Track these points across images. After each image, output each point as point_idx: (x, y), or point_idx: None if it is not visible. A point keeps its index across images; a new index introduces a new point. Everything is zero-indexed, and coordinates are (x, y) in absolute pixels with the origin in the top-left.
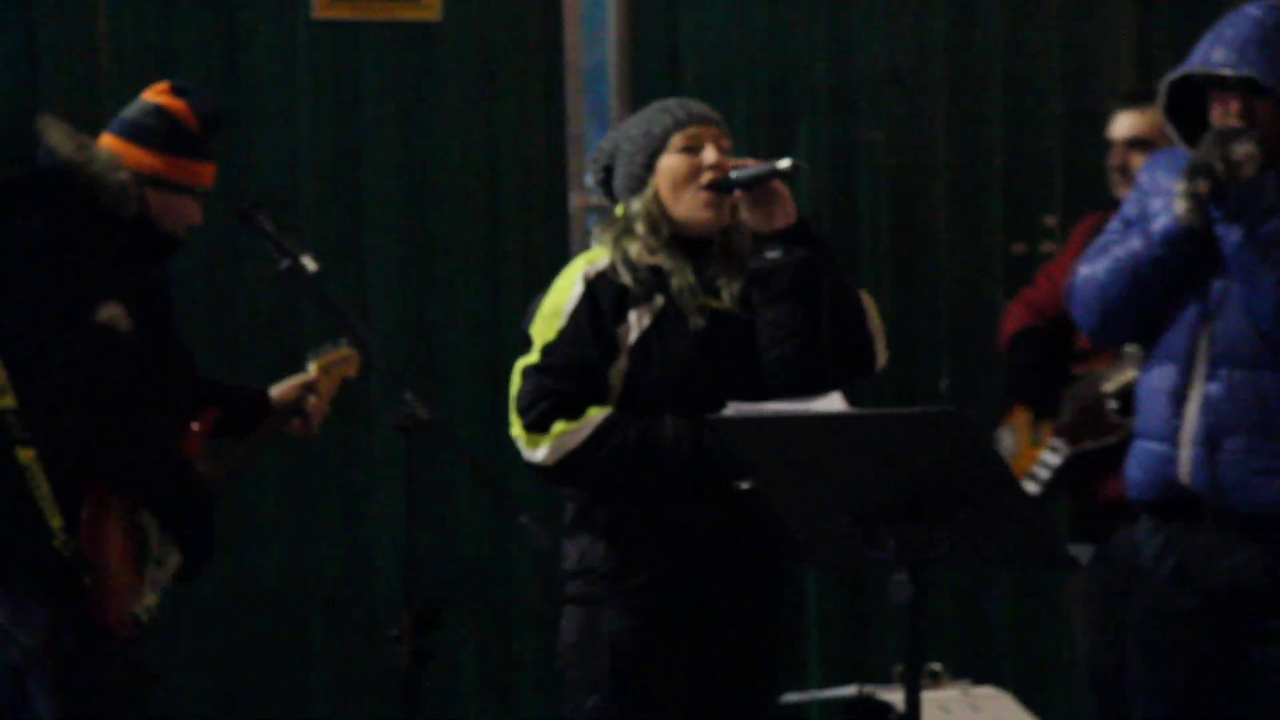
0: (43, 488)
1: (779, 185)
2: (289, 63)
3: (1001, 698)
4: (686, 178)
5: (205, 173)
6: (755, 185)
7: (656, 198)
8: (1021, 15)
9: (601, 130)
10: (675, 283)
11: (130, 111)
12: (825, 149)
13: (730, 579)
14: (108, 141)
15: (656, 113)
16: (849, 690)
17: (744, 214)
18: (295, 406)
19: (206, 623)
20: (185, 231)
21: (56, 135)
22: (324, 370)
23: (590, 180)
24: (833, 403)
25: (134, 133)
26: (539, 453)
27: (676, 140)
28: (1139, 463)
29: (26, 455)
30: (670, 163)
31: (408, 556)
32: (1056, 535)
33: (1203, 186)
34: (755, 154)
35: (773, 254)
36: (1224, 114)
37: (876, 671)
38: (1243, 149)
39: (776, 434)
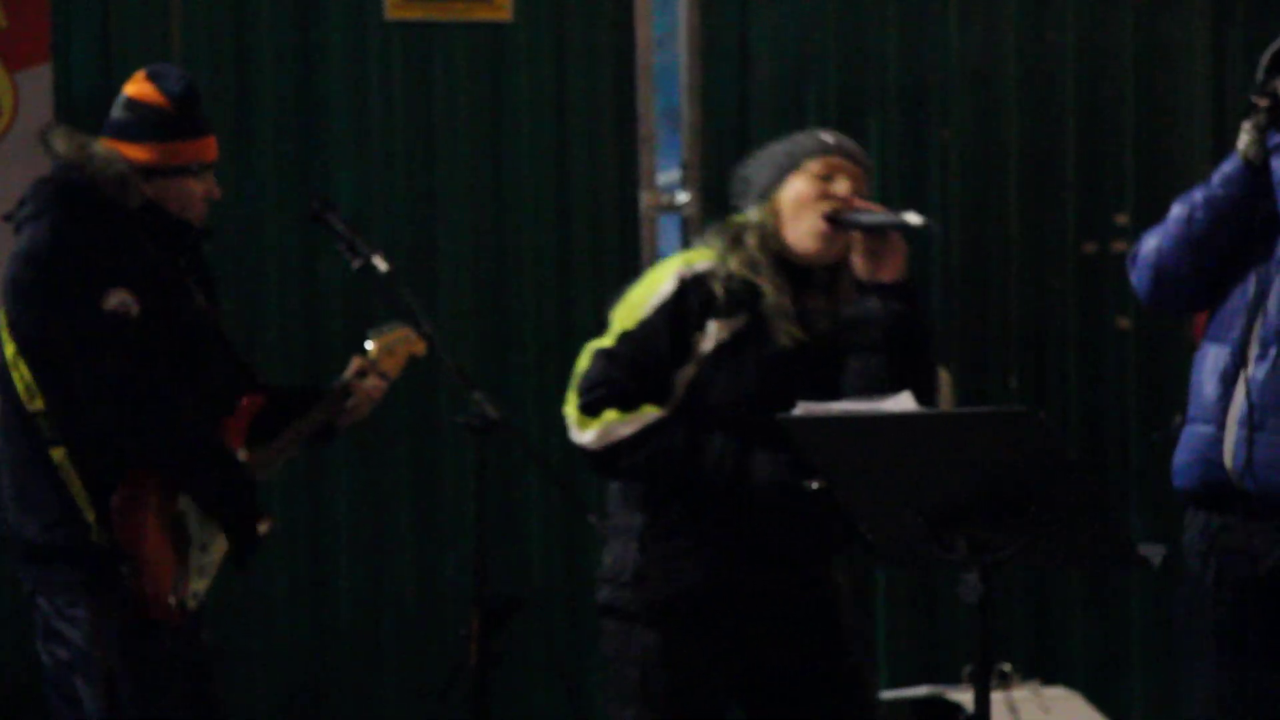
0: (75, 484)
1: (897, 239)
2: (362, 64)
3: (1072, 698)
4: (810, 202)
5: (197, 149)
6: (877, 232)
7: (775, 214)
8: (1096, 13)
9: (673, 131)
10: (769, 302)
11: (114, 109)
12: (895, 147)
13: (760, 591)
14: (108, 144)
15: (805, 135)
16: (919, 690)
17: (854, 257)
18: (344, 389)
19: (279, 621)
20: (203, 212)
21: (60, 141)
22: (386, 350)
23: (733, 192)
24: (903, 402)
25: (118, 130)
26: (587, 435)
27: (814, 165)
28: (1186, 446)
29: (58, 454)
30: (799, 184)
31: (477, 556)
32: (1128, 534)
33: (1263, 102)
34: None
35: (871, 304)
36: None
37: (946, 672)
38: None
39: (847, 433)
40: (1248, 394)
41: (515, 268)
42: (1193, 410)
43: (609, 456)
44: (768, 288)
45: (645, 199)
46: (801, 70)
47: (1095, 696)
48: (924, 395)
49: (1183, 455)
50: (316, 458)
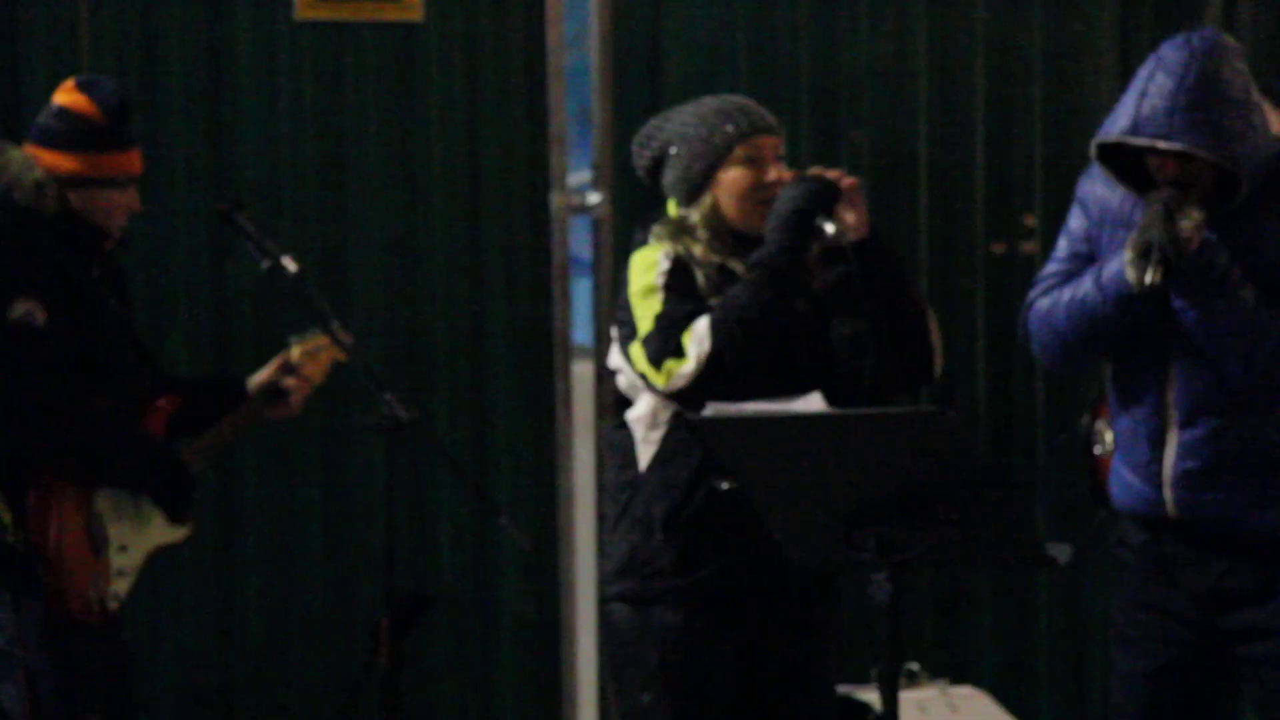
0: None
1: (857, 198)
2: (272, 64)
3: (979, 698)
4: (749, 192)
5: (125, 161)
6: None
7: (714, 204)
8: (1004, 14)
9: (584, 131)
10: None
11: (41, 116)
12: (807, 148)
13: (783, 572)
14: (28, 150)
15: (718, 117)
16: None
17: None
18: (273, 387)
19: (187, 623)
20: (123, 223)
21: None
22: (309, 353)
23: (636, 164)
24: (813, 403)
25: (45, 137)
26: (687, 367)
27: (739, 152)
28: (1124, 491)
29: None
30: (732, 176)
31: (387, 558)
32: (1036, 534)
33: (1157, 275)
34: None
35: (845, 267)
36: (1161, 169)
37: (855, 672)
38: (1189, 223)
39: (758, 434)
40: (1177, 459)
41: (426, 268)
42: (1125, 455)
43: (717, 357)
44: (739, 266)
45: (556, 199)
46: (713, 71)
47: (1003, 696)
48: (912, 341)
49: (1122, 497)
50: (226, 458)
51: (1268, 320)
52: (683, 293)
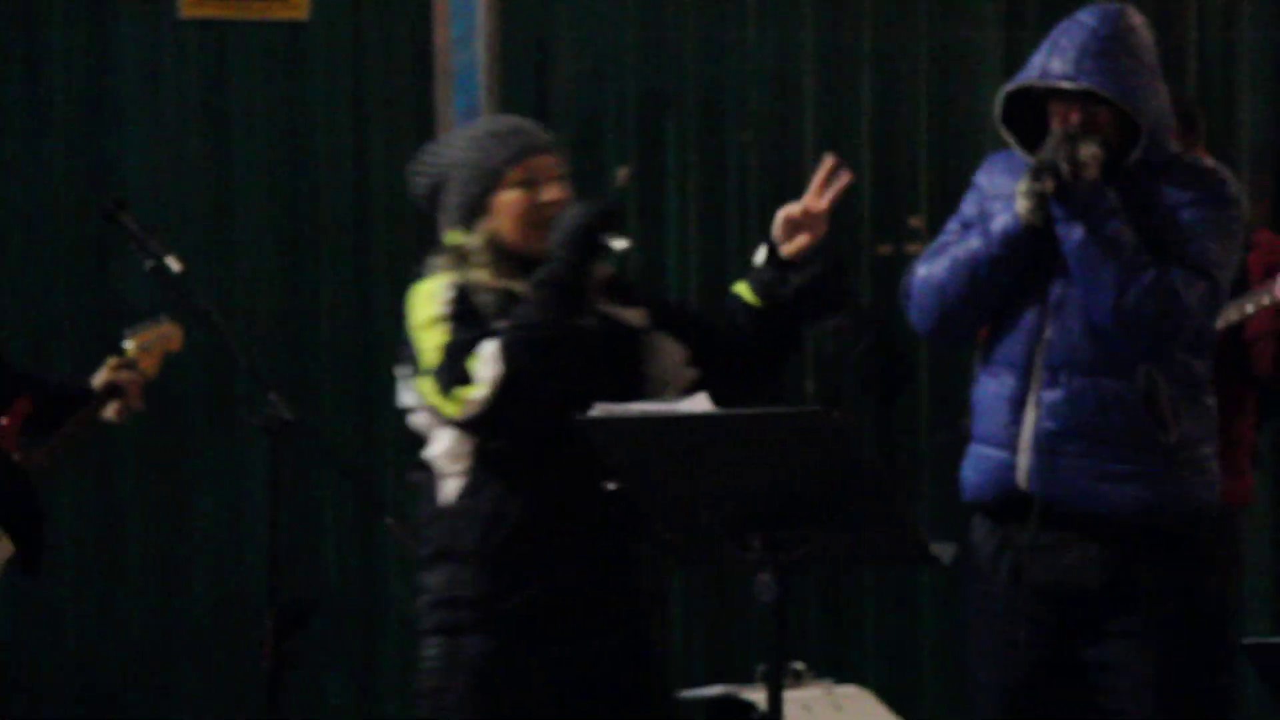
0: None
1: (818, 225)
2: (156, 62)
3: (863, 696)
4: (526, 213)
5: None
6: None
7: (494, 230)
8: (890, 16)
9: None
10: None
11: None
12: (694, 150)
13: (604, 594)
14: None
15: (490, 140)
16: (713, 690)
17: None
18: (112, 387)
19: (73, 622)
20: None
21: None
22: (143, 348)
23: (414, 193)
24: (699, 403)
25: None
26: (480, 393)
27: (514, 174)
28: (975, 467)
29: None
30: (508, 199)
31: (271, 559)
32: (920, 533)
33: (1049, 184)
34: (625, 155)
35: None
36: (1066, 121)
37: (740, 671)
38: (1088, 150)
39: (643, 434)
40: (1038, 419)
41: (313, 268)
42: (980, 429)
43: (510, 379)
44: (523, 288)
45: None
46: (601, 71)
47: (887, 694)
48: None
49: (973, 476)
50: (108, 458)
51: (1146, 261)
52: (467, 320)
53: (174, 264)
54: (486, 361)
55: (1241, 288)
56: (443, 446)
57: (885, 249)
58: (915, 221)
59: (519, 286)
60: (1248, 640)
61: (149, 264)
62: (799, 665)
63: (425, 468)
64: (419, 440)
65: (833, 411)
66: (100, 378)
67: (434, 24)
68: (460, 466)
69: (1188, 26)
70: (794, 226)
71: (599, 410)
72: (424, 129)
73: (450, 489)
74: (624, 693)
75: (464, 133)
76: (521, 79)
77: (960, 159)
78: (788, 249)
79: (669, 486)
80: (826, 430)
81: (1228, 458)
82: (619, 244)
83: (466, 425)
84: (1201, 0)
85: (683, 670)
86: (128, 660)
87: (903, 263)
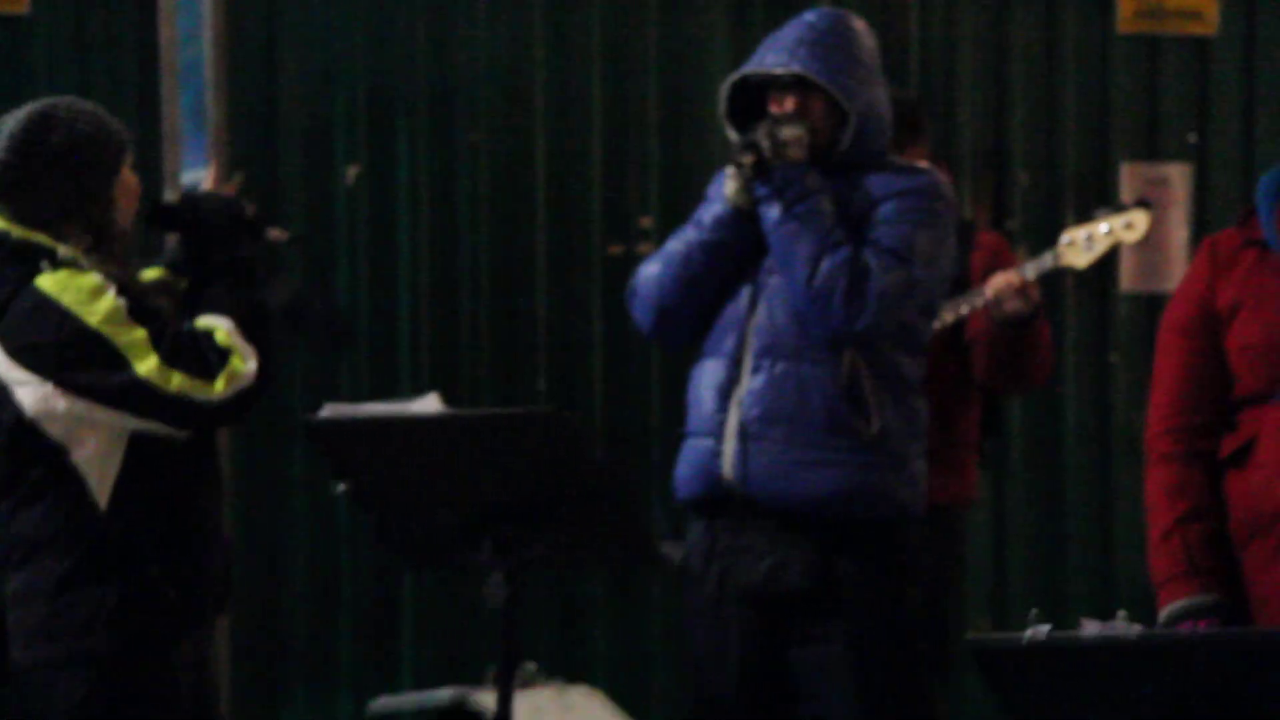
0: None
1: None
2: None
3: (594, 697)
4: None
5: None
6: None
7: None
8: (619, 15)
9: (199, 129)
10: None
11: None
12: (424, 149)
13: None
14: None
15: (88, 134)
16: (444, 693)
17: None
18: None
19: None
20: None
21: None
22: None
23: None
24: (430, 403)
25: None
26: (249, 363)
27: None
28: (686, 459)
29: None
30: (122, 183)
31: None
32: (650, 534)
33: (748, 158)
34: (355, 154)
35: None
36: (780, 109)
37: (471, 673)
38: (790, 131)
39: (373, 435)
40: (746, 405)
41: None
42: (692, 423)
43: (267, 357)
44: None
45: (170, 196)
46: (330, 69)
47: (618, 695)
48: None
49: (684, 468)
50: None
51: (841, 239)
52: (151, 309)
53: None
54: (232, 342)
55: (964, 289)
56: (92, 451)
57: (616, 249)
58: (645, 222)
59: (152, 274)
60: (969, 638)
61: None
62: (530, 666)
63: (58, 479)
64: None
65: (563, 412)
66: None
67: (159, 19)
68: (114, 470)
69: (909, 32)
70: None
71: (329, 411)
72: (149, 125)
73: (105, 494)
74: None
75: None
76: (249, 77)
77: (691, 160)
78: None
79: (399, 488)
80: (557, 431)
81: (951, 457)
82: (276, 234)
83: (225, 408)
84: (923, 6)
85: (414, 673)
86: None
87: (633, 264)
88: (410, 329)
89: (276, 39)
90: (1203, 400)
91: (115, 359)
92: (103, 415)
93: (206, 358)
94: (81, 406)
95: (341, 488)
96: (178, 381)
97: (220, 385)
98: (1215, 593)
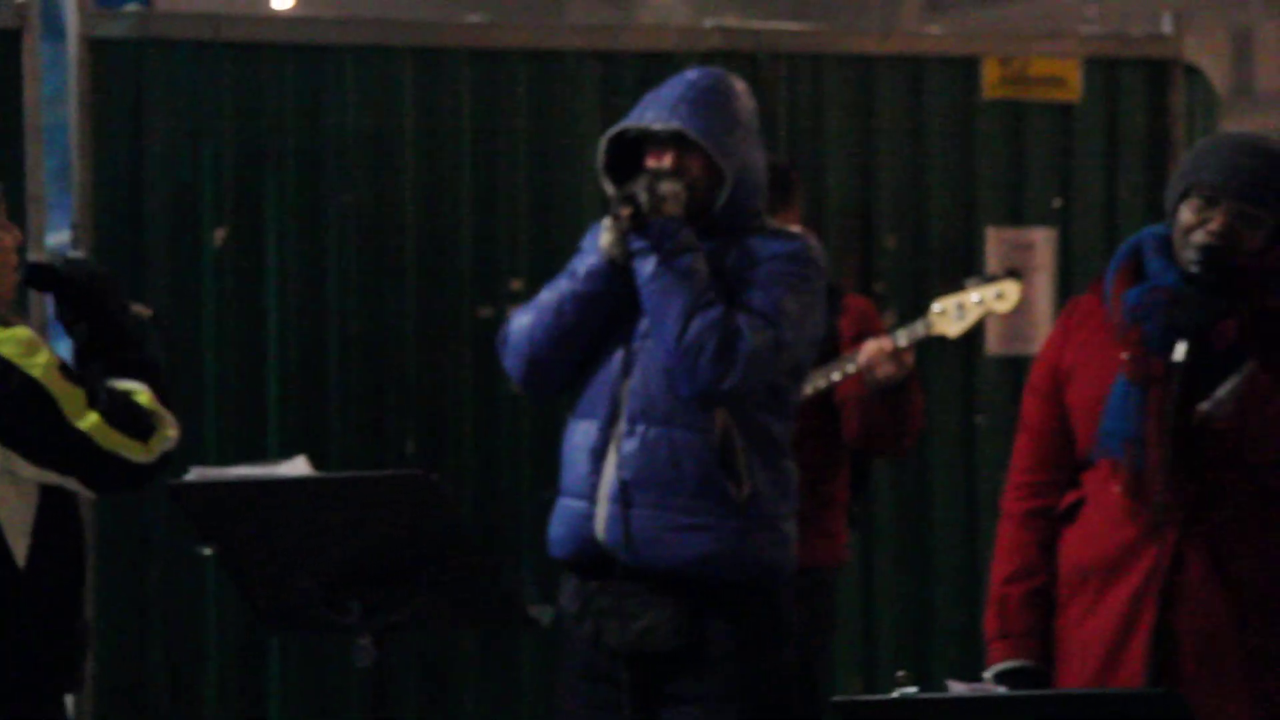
0: None
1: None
2: None
3: None
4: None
5: None
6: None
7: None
8: (489, 77)
9: (64, 191)
10: None
11: None
12: (293, 211)
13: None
14: None
15: None
16: None
17: None
18: None
19: None
20: None
21: None
22: None
23: None
24: (298, 466)
25: None
26: (171, 427)
27: None
28: (561, 520)
29: None
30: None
31: None
32: (519, 597)
33: (625, 210)
34: (222, 216)
35: None
36: (658, 164)
37: None
38: (669, 186)
39: (239, 498)
40: (618, 469)
41: None
42: (565, 483)
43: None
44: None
45: (32, 258)
46: (197, 130)
47: None
48: None
49: (557, 529)
50: None
51: (713, 298)
52: (75, 368)
53: None
54: (156, 403)
55: (833, 353)
56: (15, 503)
57: (486, 312)
58: (516, 284)
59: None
60: (836, 699)
61: None
62: None
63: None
64: None
65: (429, 475)
66: None
67: (24, 81)
68: (29, 524)
69: (778, 94)
70: None
71: (194, 474)
72: (13, 187)
73: (22, 550)
74: None
75: None
76: (115, 138)
77: (560, 222)
78: None
79: (265, 551)
80: (423, 494)
81: (822, 519)
82: (139, 310)
83: (150, 470)
84: (791, 68)
85: None
86: None
87: (502, 324)
88: (279, 391)
89: (143, 100)
90: (1050, 460)
91: (57, 413)
92: (28, 469)
93: (140, 420)
94: (7, 458)
95: (208, 551)
96: (115, 440)
97: (154, 447)
98: (1026, 656)
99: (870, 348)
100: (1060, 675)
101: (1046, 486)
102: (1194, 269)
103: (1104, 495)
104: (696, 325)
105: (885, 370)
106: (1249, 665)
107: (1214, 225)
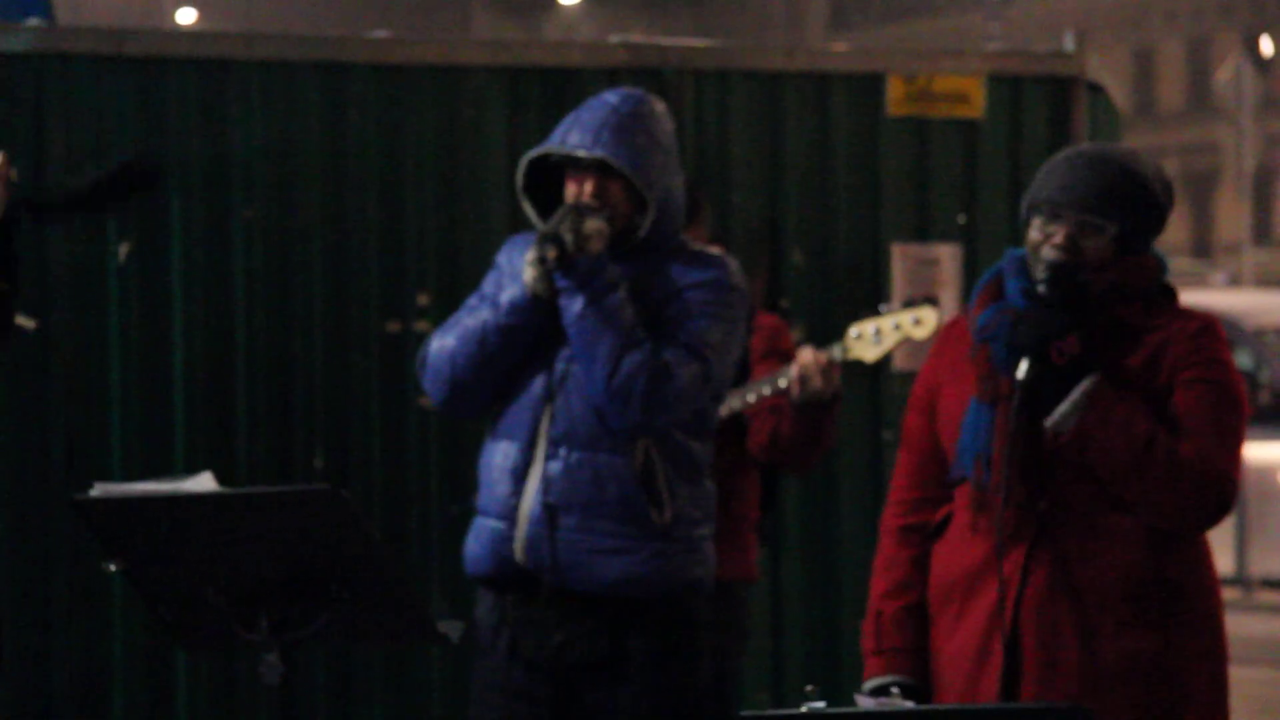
0: None
1: None
2: None
3: None
4: None
5: None
6: None
7: None
8: (395, 93)
9: None
10: None
11: None
12: (198, 226)
13: None
14: None
15: None
16: None
17: None
18: None
19: None
20: None
21: None
22: None
23: None
24: (203, 482)
25: None
26: None
27: None
28: (477, 538)
29: None
30: None
31: None
32: (428, 611)
33: (551, 252)
34: (126, 231)
35: None
36: (579, 192)
37: None
38: (593, 224)
39: (145, 513)
40: (541, 491)
41: None
42: (483, 502)
43: None
44: None
45: None
46: (100, 143)
47: None
48: None
49: (475, 547)
50: None
51: (641, 337)
52: None
53: None
54: None
55: (744, 372)
56: None
57: (394, 326)
58: (423, 299)
59: None
60: (744, 714)
61: None
62: None
63: None
64: None
65: (337, 490)
66: None
67: None
68: None
69: (684, 109)
70: None
71: (99, 490)
72: None
73: None
74: None
75: None
76: (17, 152)
77: (466, 237)
78: None
79: (172, 567)
80: (331, 508)
81: (732, 535)
82: (22, 322)
83: None
84: (697, 83)
85: None
86: None
87: (410, 340)
88: (184, 406)
89: (44, 114)
90: (927, 476)
91: None
92: None
93: None
94: None
95: (113, 566)
96: None
97: None
98: (899, 672)
99: (805, 358)
100: (936, 691)
101: (922, 503)
102: (1041, 288)
103: (964, 512)
104: (626, 366)
105: (816, 384)
106: (1091, 679)
107: (1058, 239)
